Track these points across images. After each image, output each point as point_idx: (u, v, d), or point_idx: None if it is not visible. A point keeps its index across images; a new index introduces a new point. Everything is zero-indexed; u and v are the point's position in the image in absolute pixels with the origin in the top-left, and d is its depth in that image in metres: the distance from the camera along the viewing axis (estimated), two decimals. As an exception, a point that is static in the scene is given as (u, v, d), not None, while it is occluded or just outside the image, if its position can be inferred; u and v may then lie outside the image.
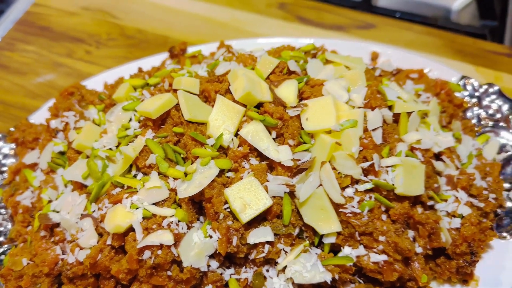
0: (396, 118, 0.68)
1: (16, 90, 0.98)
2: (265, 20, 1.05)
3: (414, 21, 1.21)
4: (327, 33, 1.02)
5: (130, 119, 0.69)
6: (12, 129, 0.81)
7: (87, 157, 0.68)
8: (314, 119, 0.63)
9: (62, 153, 0.72)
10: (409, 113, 0.67)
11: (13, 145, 0.81)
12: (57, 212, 0.66)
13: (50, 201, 0.68)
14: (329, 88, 0.66)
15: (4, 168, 0.80)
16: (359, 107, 0.66)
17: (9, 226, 0.75)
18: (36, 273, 0.63)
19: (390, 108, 0.68)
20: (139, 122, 0.68)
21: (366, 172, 0.62)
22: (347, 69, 0.72)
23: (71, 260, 0.61)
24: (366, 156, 0.62)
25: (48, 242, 0.65)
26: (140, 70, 0.81)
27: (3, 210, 0.77)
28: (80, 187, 0.67)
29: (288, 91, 0.66)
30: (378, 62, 0.89)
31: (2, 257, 0.71)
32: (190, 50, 0.90)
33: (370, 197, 0.61)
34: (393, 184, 0.61)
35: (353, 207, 0.60)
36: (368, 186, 0.61)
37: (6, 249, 0.73)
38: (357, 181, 0.62)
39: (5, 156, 0.81)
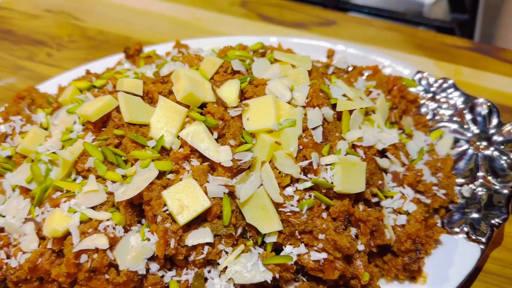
0: (340, 116, 0.68)
1: (-23, 95, 0.98)
2: (227, 19, 1.04)
3: (381, 16, 1.21)
4: (288, 30, 1.02)
5: (75, 122, 0.69)
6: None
7: (32, 161, 0.68)
8: (254, 119, 0.63)
9: (10, 157, 0.72)
10: (352, 111, 0.67)
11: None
12: (3, 216, 0.66)
13: (-4, 206, 0.68)
14: (272, 88, 0.66)
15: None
16: (302, 106, 0.66)
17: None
18: (-20, 278, 0.63)
19: (334, 106, 0.68)
20: (83, 125, 0.68)
21: (306, 170, 0.62)
22: (293, 67, 0.71)
23: (14, 264, 0.61)
24: (306, 155, 0.62)
25: (-6, 247, 0.65)
26: (87, 72, 0.81)
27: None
28: (25, 191, 0.67)
29: (229, 91, 0.65)
30: (334, 60, 0.89)
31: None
32: (147, 50, 0.90)
33: (310, 196, 0.61)
34: (332, 183, 0.61)
35: (292, 206, 0.60)
36: (308, 184, 0.61)
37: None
38: (297, 180, 0.62)
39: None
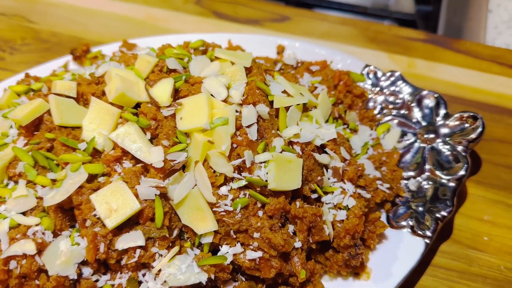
0: (278, 113, 0.67)
1: None
2: (181, 17, 1.03)
3: (344, 10, 1.21)
4: (242, 27, 1.01)
5: (11, 127, 0.68)
6: None
7: (-34, 168, 0.66)
8: (188, 118, 0.62)
9: None
10: (289, 108, 0.66)
11: None
12: None
13: None
14: (207, 86, 0.65)
15: None
16: (238, 104, 0.65)
17: None
18: None
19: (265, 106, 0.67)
20: (18, 130, 0.67)
21: (241, 169, 0.61)
22: (232, 64, 0.70)
23: None
24: (239, 153, 0.61)
25: None
26: (27, 75, 0.80)
27: None
28: (-42, 199, 0.66)
29: (162, 90, 0.64)
30: (284, 55, 0.88)
31: None
32: (94, 50, 0.88)
33: (245, 194, 0.61)
34: (266, 180, 0.60)
35: (226, 205, 0.60)
36: (242, 183, 0.60)
37: None
38: (232, 179, 0.61)
39: None
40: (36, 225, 0.58)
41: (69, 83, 0.67)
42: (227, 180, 0.61)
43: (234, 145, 0.62)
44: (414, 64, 0.92)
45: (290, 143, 0.65)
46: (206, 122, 0.61)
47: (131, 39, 0.91)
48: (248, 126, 0.63)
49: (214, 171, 0.61)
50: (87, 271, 0.59)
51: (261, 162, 0.61)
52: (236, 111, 0.64)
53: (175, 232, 0.62)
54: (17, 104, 0.70)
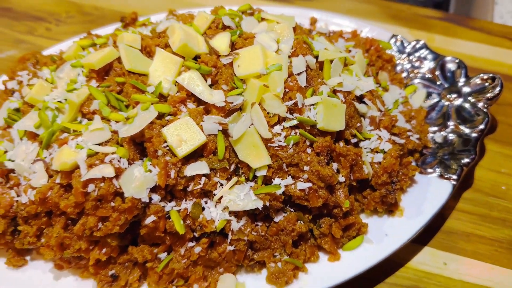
0: (321, 66, 0.75)
1: (-22, 65, 1.03)
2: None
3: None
4: (273, 3, 1.08)
5: (78, 75, 0.74)
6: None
7: (39, 109, 0.73)
8: (244, 66, 0.70)
9: (17, 110, 0.77)
10: (332, 61, 0.74)
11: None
12: (12, 161, 0.71)
13: (6, 152, 0.73)
14: (260, 40, 0.73)
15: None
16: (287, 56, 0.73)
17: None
18: (-8, 215, 0.68)
19: (317, 59, 0.75)
20: (86, 77, 0.74)
21: (292, 111, 0.69)
22: (278, 24, 0.78)
23: (24, 200, 0.67)
24: (291, 97, 0.69)
25: (4, 188, 0.70)
26: (88, 33, 0.87)
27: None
28: (33, 137, 0.72)
29: (221, 42, 0.72)
30: (316, 27, 0.96)
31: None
32: (141, 19, 0.96)
33: (296, 133, 0.68)
34: (315, 120, 0.68)
35: (280, 141, 0.67)
36: (293, 122, 0.68)
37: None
38: (284, 119, 0.69)
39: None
40: (112, 153, 0.64)
41: (134, 36, 0.74)
42: (280, 120, 0.68)
43: (286, 90, 0.69)
44: (433, 38, 1.01)
45: (334, 91, 0.72)
46: (262, 67, 0.69)
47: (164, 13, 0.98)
48: (298, 74, 0.70)
49: (268, 113, 0.69)
50: (155, 197, 0.65)
51: (310, 105, 0.69)
52: (286, 62, 0.71)
53: (232, 167, 0.69)
54: (82, 56, 0.77)
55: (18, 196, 0.69)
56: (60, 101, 0.72)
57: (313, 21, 0.96)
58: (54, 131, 0.69)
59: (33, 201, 0.67)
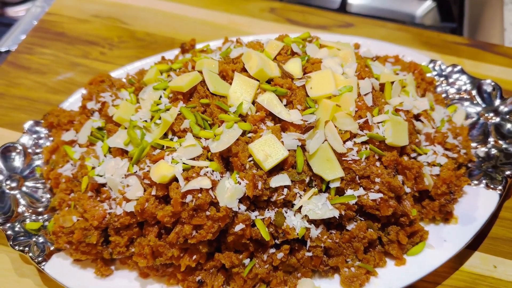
0: (382, 87, 0.83)
1: (38, 87, 1.08)
2: (259, 22, 1.19)
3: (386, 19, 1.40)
4: (313, 31, 1.16)
5: (160, 97, 0.81)
6: (45, 115, 0.91)
7: (125, 128, 0.79)
8: (317, 88, 0.77)
9: (99, 129, 0.83)
10: (392, 82, 0.82)
11: (44, 130, 0.91)
12: (101, 176, 0.76)
13: (93, 168, 0.78)
14: (327, 64, 0.81)
15: (39, 150, 0.89)
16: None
17: (48, 197, 0.85)
18: (86, 226, 0.73)
19: (376, 80, 0.83)
20: (168, 99, 0.80)
21: (361, 128, 0.76)
22: (338, 50, 0.86)
23: (119, 212, 0.72)
24: (360, 115, 0.76)
25: (95, 201, 0.75)
26: (163, 58, 0.94)
27: (41, 185, 0.86)
28: (121, 153, 0.78)
29: (294, 66, 0.80)
30: (360, 52, 1.05)
31: (46, 223, 0.81)
32: (198, 46, 1.03)
33: (366, 148, 0.75)
34: (383, 136, 0.75)
35: (353, 155, 0.74)
36: (364, 138, 0.75)
37: (47, 218, 0.82)
38: (354, 136, 0.76)
39: (40, 139, 0.90)
40: (206, 167, 0.70)
41: (213, 61, 0.81)
42: (351, 136, 0.76)
43: (355, 109, 0.77)
44: (463, 63, 1.10)
45: (396, 110, 0.80)
46: (335, 89, 0.76)
47: (219, 40, 1.06)
48: (365, 95, 0.78)
49: (340, 130, 0.76)
50: (242, 207, 0.71)
51: (378, 122, 0.76)
52: (351, 84, 0.79)
53: (307, 180, 0.75)
54: (161, 79, 0.84)
55: (110, 208, 0.74)
56: (145, 121, 0.78)
57: (357, 47, 1.04)
58: (144, 148, 0.75)
59: (127, 213, 0.72)
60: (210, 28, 1.18)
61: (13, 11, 1.68)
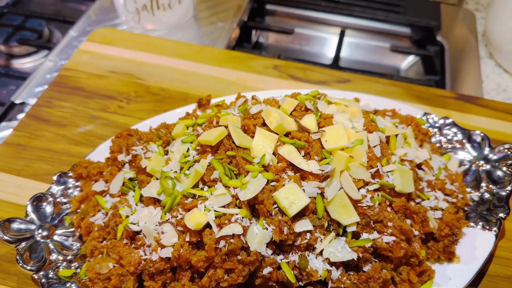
0: (387, 139, 0.92)
1: (60, 139, 1.14)
2: (264, 78, 1.30)
3: (375, 73, 1.53)
4: (314, 86, 1.28)
5: (188, 149, 0.88)
6: (74, 166, 0.97)
7: (157, 179, 0.85)
8: (331, 141, 0.86)
9: (130, 180, 0.89)
10: (396, 135, 0.92)
11: (72, 181, 0.97)
12: (135, 224, 0.82)
13: (127, 216, 0.84)
14: (338, 119, 0.90)
15: (67, 200, 0.94)
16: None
17: (78, 245, 0.89)
18: (123, 272, 0.77)
19: (382, 133, 0.92)
20: (195, 151, 0.88)
21: (373, 176, 0.85)
22: (346, 107, 0.96)
23: (154, 258, 0.77)
24: (371, 165, 0.85)
25: (131, 248, 0.80)
26: (187, 113, 1.02)
27: (70, 234, 0.91)
28: (153, 202, 0.84)
29: (309, 121, 0.89)
30: (360, 105, 1.15)
31: (78, 270, 0.85)
32: (213, 101, 1.12)
33: (378, 194, 0.83)
34: (393, 184, 0.84)
35: (367, 201, 0.82)
36: (376, 186, 0.83)
37: (78, 265, 0.86)
38: (367, 184, 0.84)
39: (68, 189, 0.96)
40: (237, 214, 0.77)
41: (236, 117, 0.90)
42: (364, 184, 0.84)
43: (367, 159, 0.86)
44: (451, 114, 1.22)
45: (401, 160, 0.89)
46: (347, 142, 0.85)
47: (232, 95, 1.15)
48: (374, 146, 0.87)
49: (353, 178, 0.84)
50: (269, 251, 0.77)
51: (387, 172, 0.85)
52: (360, 137, 0.88)
53: (326, 224, 0.82)
54: (188, 133, 0.91)
55: (145, 254, 0.79)
56: (176, 171, 0.85)
57: (357, 100, 1.15)
58: (175, 197, 0.82)
59: (162, 258, 0.77)
60: (220, 83, 1.28)
61: (18, 63, 1.75)
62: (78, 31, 1.60)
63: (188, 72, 1.31)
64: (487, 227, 0.93)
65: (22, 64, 1.75)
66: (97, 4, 1.71)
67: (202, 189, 0.82)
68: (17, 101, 1.36)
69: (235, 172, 0.84)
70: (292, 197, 0.79)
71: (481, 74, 1.61)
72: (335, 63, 1.55)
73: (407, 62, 1.85)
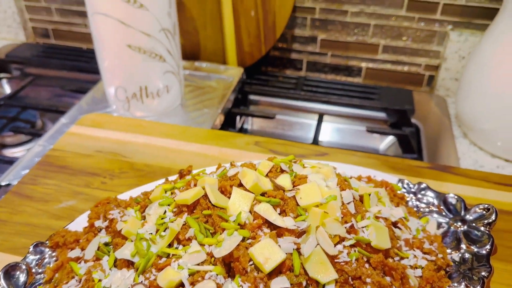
0: (361, 199, 0.94)
1: (41, 214, 1.14)
2: (246, 153, 1.35)
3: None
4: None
5: (165, 211, 0.89)
6: (51, 235, 0.96)
7: (132, 241, 0.85)
8: (305, 198, 0.88)
9: (106, 244, 0.88)
10: (369, 194, 0.94)
11: (49, 251, 0.95)
12: (107, 287, 0.80)
13: (100, 280, 0.81)
14: (312, 179, 0.93)
15: (42, 270, 0.92)
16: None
17: (48, 317, 0.85)
18: (91, 338, 0.74)
19: (355, 191, 0.95)
20: (172, 213, 0.89)
21: (348, 232, 0.85)
22: (320, 168, 1.00)
23: (125, 321, 0.74)
24: (346, 221, 0.86)
25: (101, 312, 0.77)
26: (166, 179, 1.04)
27: (41, 305, 0.87)
28: (127, 265, 0.82)
29: (284, 181, 0.91)
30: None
31: None
32: (194, 172, 1.15)
33: (354, 250, 0.83)
34: (369, 239, 0.84)
35: (344, 257, 0.81)
36: (352, 241, 0.83)
37: (45, 338, 0.82)
38: (343, 239, 0.84)
39: (44, 259, 0.94)
40: (211, 271, 0.76)
41: (213, 179, 0.92)
42: (340, 240, 0.84)
43: (341, 215, 0.87)
44: (427, 182, 1.25)
45: (375, 217, 0.90)
46: (321, 198, 0.87)
47: (213, 166, 1.19)
48: (348, 203, 0.89)
49: (329, 234, 0.84)
50: (245, 310, 0.75)
51: (363, 227, 0.86)
52: (335, 196, 0.91)
53: (304, 283, 0.81)
54: (166, 197, 0.93)
55: (116, 318, 0.76)
56: (151, 233, 0.85)
57: (334, 169, 1.19)
58: (149, 258, 0.81)
59: (133, 321, 0.74)
60: (203, 158, 1.32)
61: (10, 152, 1.80)
62: (69, 118, 1.68)
63: (172, 149, 1.36)
64: (471, 286, 0.91)
65: (13, 153, 1.80)
66: (90, 95, 1.82)
67: (177, 248, 0.82)
68: (3, 183, 1.39)
69: (211, 231, 0.84)
70: (267, 252, 0.79)
71: (457, 152, 1.68)
72: (315, 144, 1.62)
73: (385, 143, 1.93)
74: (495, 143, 1.58)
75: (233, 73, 1.97)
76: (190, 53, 2.07)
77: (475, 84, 1.57)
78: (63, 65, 2.15)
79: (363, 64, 2.05)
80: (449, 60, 1.89)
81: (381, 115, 1.94)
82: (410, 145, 1.76)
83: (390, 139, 1.90)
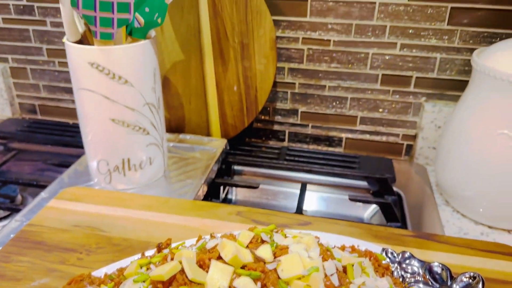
0: (344, 269, 0.92)
1: (10, 294, 1.08)
2: (227, 224, 1.33)
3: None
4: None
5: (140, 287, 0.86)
6: (19, 318, 0.91)
7: (105, 320, 0.80)
8: (287, 270, 0.86)
9: (76, 325, 0.83)
10: (352, 265, 0.92)
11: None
12: None
13: None
14: (293, 249, 0.91)
15: None
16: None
17: None
18: None
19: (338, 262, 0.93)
20: (148, 289, 0.85)
21: (331, 305, 0.82)
22: (301, 238, 0.98)
23: None
24: (329, 293, 0.83)
25: None
26: (143, 254, 1.01)
27: None
28: None
29: (265, 252, 0.89)
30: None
31: None
32: (174, 245, 1.12)
33: (339, 324, 0.80)
34: (353, 312, 0.81)
35: (328, 332, 0.78)
36: (336, 315, 0.80)
37: None
38: (326, 313, 0.81)
39: None
40: None
41: (191, 252, 0.90)
42: (323, 313, 0.81)
43: (324, 288, 0.84)
44: (411, 251, 1.24)
45: (359, 288, 0.88)
46: (303, 270, 0.85)
47: (193, 239, 1.17)
48: (331, 275, 0.87)
49: (312, 308, 0.81)
50: None
51: (346, 299, 0.83)
52: (317, 267, 0.88)
53: None
54: (141, 273, 0.89)
55: None
56: (125, 311, 0.81)
57: (316, 239, 1.17)
58: (122, 338, 0.76)
59: None
60: (183, 230, 1.30)
61: (-14, 230, 1.73)
62: (49, 193, 1.66)
63: (151, 221, 1.33)
64: None
65: (-11, 230, 1.73)
66: (72, 168, 1.81)
67: (152, 325, 0.77)
68: (-26, 262, 1.32)
69: (188, 307, 0.80)
70: (247, 329, 0.75)
71: (441, 219, 1.68)
72: (299, 213, 1.61)
73: (368, 212, 1.93)
74: (477, 210, 1.59)
75: (217, 144, 2.00)
76: (175, 126, 2.10)
77: (452, 153, 1.62)
78: (47, 140, 2.16)
79: (343, 135, 2.11)
80: (426, 129, 1.96)
81: (363, 183, 1.96)
82: (394, 213, 1.76)
83: (373, 207, 1.90)
